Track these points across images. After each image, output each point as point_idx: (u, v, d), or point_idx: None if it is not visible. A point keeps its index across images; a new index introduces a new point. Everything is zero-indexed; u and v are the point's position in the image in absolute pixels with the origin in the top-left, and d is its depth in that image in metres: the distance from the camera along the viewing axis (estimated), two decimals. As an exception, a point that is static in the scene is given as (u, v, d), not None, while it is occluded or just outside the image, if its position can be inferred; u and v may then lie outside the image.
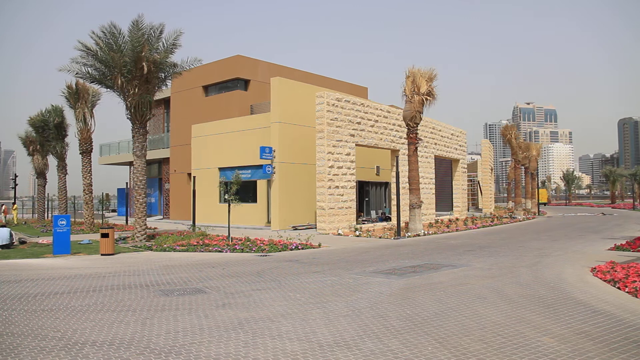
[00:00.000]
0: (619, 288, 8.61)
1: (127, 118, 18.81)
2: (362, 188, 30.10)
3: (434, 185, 31.54)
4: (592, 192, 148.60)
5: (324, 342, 5.65)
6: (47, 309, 7.36)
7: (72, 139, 63.15)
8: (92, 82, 19.54)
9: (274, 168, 23.92)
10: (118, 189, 41.44)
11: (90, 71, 18.45)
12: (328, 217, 21.73)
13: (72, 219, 27.15)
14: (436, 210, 32.31)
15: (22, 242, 17.82)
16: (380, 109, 25.86)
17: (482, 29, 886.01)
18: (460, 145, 35.58)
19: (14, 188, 40.31)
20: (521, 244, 16.89)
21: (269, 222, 24.90)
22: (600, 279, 9.56)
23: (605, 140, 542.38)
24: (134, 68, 17.62)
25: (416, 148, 22.03)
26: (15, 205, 36.47)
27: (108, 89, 19.00)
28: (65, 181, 28.91)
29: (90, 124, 25.15)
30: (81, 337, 5.86)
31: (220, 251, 15.24)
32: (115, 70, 17.70)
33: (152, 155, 33.65)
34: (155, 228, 24.28)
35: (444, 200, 36.91)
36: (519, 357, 5.12)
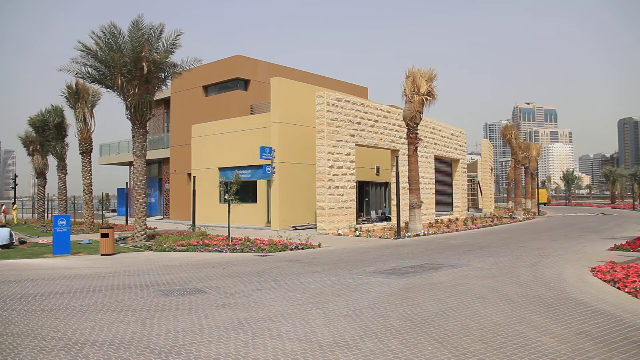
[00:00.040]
0: (618, 288, 8.61)
1: (127, 118, 18.82)
2: (362, 188, 30.11)
3: (434, 185, 31.54)
4: (592, 192, 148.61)
5: (324, 342, 5.65)
6: (47, 309, 7.36)
7: (72, 139, 63.09)
8: (92, 82, 19.54)
9: (274, 168, 23.92)
10: (118, 189, 41.45)
11: (90, 71, 18.45)
12: (328, 217, 21.73)
13: (72, 219, 27.16)
14: (436, 210, 32.31)
15: (22, 242, 17.82)
16: (380, 109, 25.86)
17: (482, 29, 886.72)
18: (460, 145, 35.58)
19: (14, 188, 40.31)
20: (521, 244, 16.89)
21: (268, 222, 24.90)
22: (600, 279, 9.56)
23: (605, 140, 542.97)
24: (134, 68, 17.62)
25: (416, 148, 22.03)
26: (15, 205, 36.47)
27: (108, 89, 19.00)
28: (65, 181, 28.92)
29: (90, 124, 25.15)
30: (81, 337, 5.86)
31: (220, 251, 15.24)
32: (115, 70, 17.70)
33: (152, 155, 33.66)
34: (155, 228, 24.28)
35: (444, 200, 36.91)
36: (519, 357, 5.12)
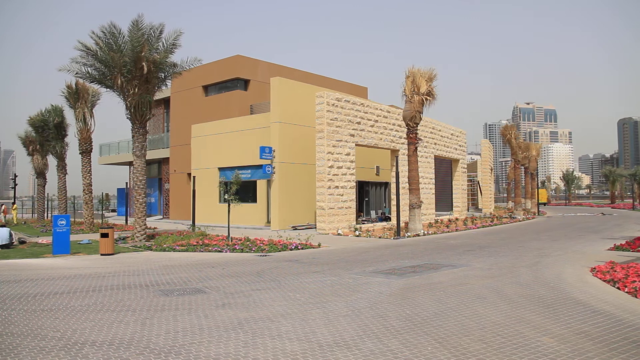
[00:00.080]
0: (618, 288, 8.62)
1: (127, 118, 18.82)
2: (362, 188, 30.11)
3: (434, 185, 31.54)
4: (592, 192, 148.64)
5: (323, 342, 5.66)
6: (47, 309, 7.36)
7: (72, 138, 63.06)
8: (92, 82, 19.55)
9: (274, 168, 23.92)
10: (118, 188, 41.44)
11: (90, 71, 18.45)
12: (328, 217, 21.73)
13: (72, 219, 27.16)
14: (436, 210, 32.31)
15: (22, 242, 17.82)
16: (380, 109, 25.86)
17: (482, 29, 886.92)
18: (460, 145, 35.59)
19: (14, 188, 40.31)
20: (521, 244, 16.90)
21: (268, 222, 24.90)
22: (600, 279, 9.56)
23: (605, 140, 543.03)
24: (133, 68, 17.62)
25: (416, 148, 22.04)
26: (15, 205, 36.48)
27: (108, 89, 19.01)
28: (65, 181, 28.92)
29: (90, 124, 25.15)
30: (81, 337, 5.86)
31: (220, 251, 15.23)
32: (115, 70, 17.70)
33: (152, 155, 33.67)
34: (155, 228, 24.28)
35: (443, 200, 36.91)
36: (518, 357, 5.12)
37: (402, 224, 22.40)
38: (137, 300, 8.05)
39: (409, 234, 20.51)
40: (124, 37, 17.74)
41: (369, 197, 31.15)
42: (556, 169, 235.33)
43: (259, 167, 24.59)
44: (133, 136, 18.91)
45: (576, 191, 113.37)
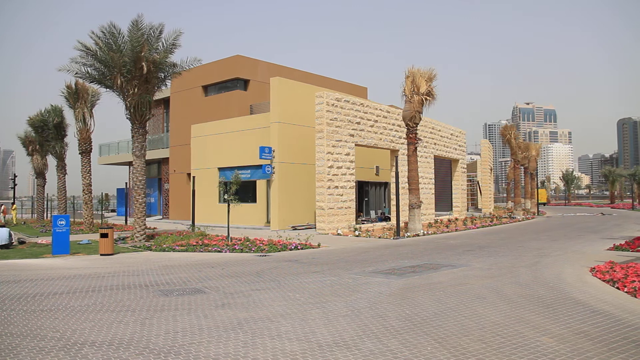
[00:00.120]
0: (618, 288, 8.62)
1: (127, 118, 18.81)
2: (362, 188, 30.11)
3: (434, 185, 31.55)
4: (592, 192, 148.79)
5: (323, 342, 5.66)
6: (46, 309, 7.36)
7: (72, 139, 63.11)
8: (91, 82, 19.54)
9: (274, 168, 23.93)
10: (117, 189, 41.45)
11: (89, 71, 18.45)
12: (327, 217, 21.73)
13: (72, 219, 27.15)
14: (436, 210, 32.32)
15: (21, 242, 17.81)
16: (380, 109, 25.86)
17: (482, 29, 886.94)
18: (459, 145, 35.60)
19: (13, 188, 40.28)
20: (520, 244, 16.90)
21: (268, 222, 24.90)
22: (600, 279, 9.56)
23: (604, 140, 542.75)
24: (133, 68, 17.62)
25: (416, 148, 22.04)
26: (15, 205, 36.47)
27: (108, 89, 19.00)
28: (65, 181, 28.91)
29: (90, 124, 25.15)
30: (80, 337, 5.86)
31: (219, 251, 15.23)
32: (114, 70, 17.70)
33: (151, 155, 33.66)
34: (154, 228, 24.27)
35: (443, 200, 36.93)
36: (518, 357, 5.12)
37: (401, 224, 22.41)
38: (137, 300, 8.05)
39: (408, 234, 20.52)
40: (123, 37, 17.74)
41: (369, 197, 31.16)
42: (556, 169, 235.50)
43: (259, 167, 24.60)
44: (133, 136, 18.90)
45: (576, 191, 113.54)
